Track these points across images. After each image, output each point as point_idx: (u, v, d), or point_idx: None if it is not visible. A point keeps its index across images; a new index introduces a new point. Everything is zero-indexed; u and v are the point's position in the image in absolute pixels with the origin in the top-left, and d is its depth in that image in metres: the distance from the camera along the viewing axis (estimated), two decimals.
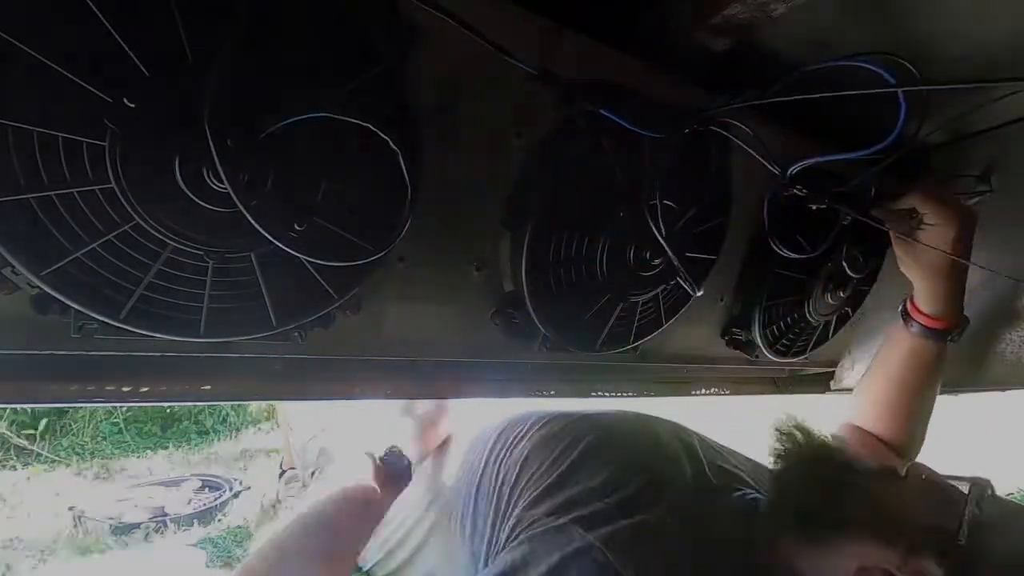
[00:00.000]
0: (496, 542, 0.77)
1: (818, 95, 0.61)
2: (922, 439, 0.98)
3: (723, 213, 0.85)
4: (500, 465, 0.87)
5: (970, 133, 0.86)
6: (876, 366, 0.98)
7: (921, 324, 0.90)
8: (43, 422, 2.56)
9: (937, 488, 0.66)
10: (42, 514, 2.00)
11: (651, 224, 0.71)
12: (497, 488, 0.84)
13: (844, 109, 0.68)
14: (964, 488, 0.63)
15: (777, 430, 0.77)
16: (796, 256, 0.82)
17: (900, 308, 0.93)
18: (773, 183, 0.75)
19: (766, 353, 1.01)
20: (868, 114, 0.68)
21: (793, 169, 0.72)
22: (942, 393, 1.00)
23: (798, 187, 0.71)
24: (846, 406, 1.02)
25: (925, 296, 0.89)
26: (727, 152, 0.80)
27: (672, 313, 0.86)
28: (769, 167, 0.71)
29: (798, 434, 0.76)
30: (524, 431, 0.90)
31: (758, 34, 0.67)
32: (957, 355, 1.25)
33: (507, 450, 0.89)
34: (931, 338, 0.90)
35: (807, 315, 1.02)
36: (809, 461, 0.73)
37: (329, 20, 0.51)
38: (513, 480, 0.81)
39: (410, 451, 1.06)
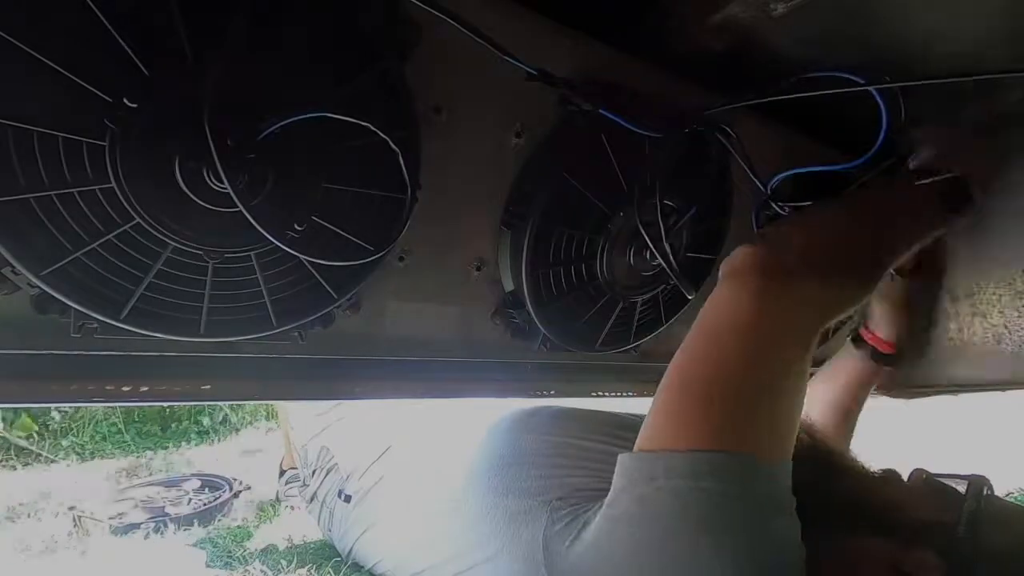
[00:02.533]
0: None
1: (804, 94, 0.62)
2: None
3: (723, 213, 0.85)
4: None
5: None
6: (826, 380, 1.06)
7: (874, 348, 0.99)
8: (43, 422, 2.56)
9: (936, 486, 0.67)
10: (42, 514, 2.00)
11: (650, 224, 0.71)
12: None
13: (844, 109, 0.68)
14: (962, 486, 0.63)
15: None
16: None
17: (850, 336, 1.02)
18: (756, 197, 0.76)
19: None
20: (869, 115, 0.68)
21: (773, 182, 0.72)
22: (942, 393, 1.02)
23: (778, 204, 0.72)
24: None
25: (885, 323, 0.98)
26: (727, 152, 0.80)
27: (672, 313, 0.86)
28: (754, 181, 0.71)
29: (803, 433, 0.75)
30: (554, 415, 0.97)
31: (758, 34, 0.67)
32: (957, 355, 1.26)
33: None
34: (881, 362, 1.00)
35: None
36: (812, 459, 0.73)
37: (329, 20, 0.51)
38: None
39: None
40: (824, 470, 0.69)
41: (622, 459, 0.54)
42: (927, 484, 0.68)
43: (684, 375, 0.55)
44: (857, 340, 1.01)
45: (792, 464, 0.71)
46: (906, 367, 1.02)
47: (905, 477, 0.71)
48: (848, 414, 1.04)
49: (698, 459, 0.49)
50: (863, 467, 0.73)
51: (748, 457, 0.49)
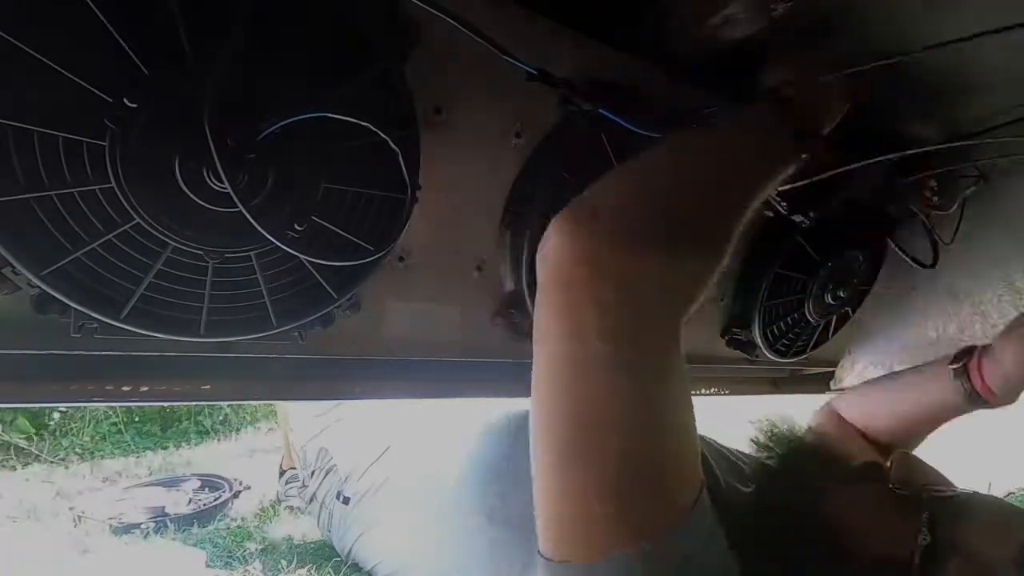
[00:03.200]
0: None
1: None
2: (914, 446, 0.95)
3: None
4: None
5: (970, 133, 0.86)
6: (892, 390, 0.94)
7: (975, 388, 0.82)
8: (43, 422, 2.56)
9: (899, 504, 0.63)
10: (42, 514, 2.00)
11: None
12: None
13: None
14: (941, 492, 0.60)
15: (757, 429, 0.76)
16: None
17: (957, 359, 0.85)
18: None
19: (766, 353, 1.01)
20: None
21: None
22: None
23: (777, 199, 0.72)
24: (849, 398, 1.01)
25: (1001, 375, 0.81)
26: None
27: None
28: None
29: (807, 433, 0.74)
30: None
31: (758, 34, 0.67)
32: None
33: None
34: (969, 400, 0.83)
35: (807, 315, 1.02)
36: (803, 467, 0.71)
37: (329, 20, 0.51)
38: None
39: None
40: (804, 488, 0.67)
41: (541, 568, 0.43)
42: (892, 500, 0.64)
43: (545, 457, 0.42)
44: (960, 373, 0.83)
45: (784, 475, 0.68)
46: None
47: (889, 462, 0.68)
48: (915, 439, 0.93)
49: (618, 569, 0.39)
50: (847, 469, 0.71)
51: (653, 549, 0.39)
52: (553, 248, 0.44)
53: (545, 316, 0.43)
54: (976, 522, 0.57)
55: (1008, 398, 0.82)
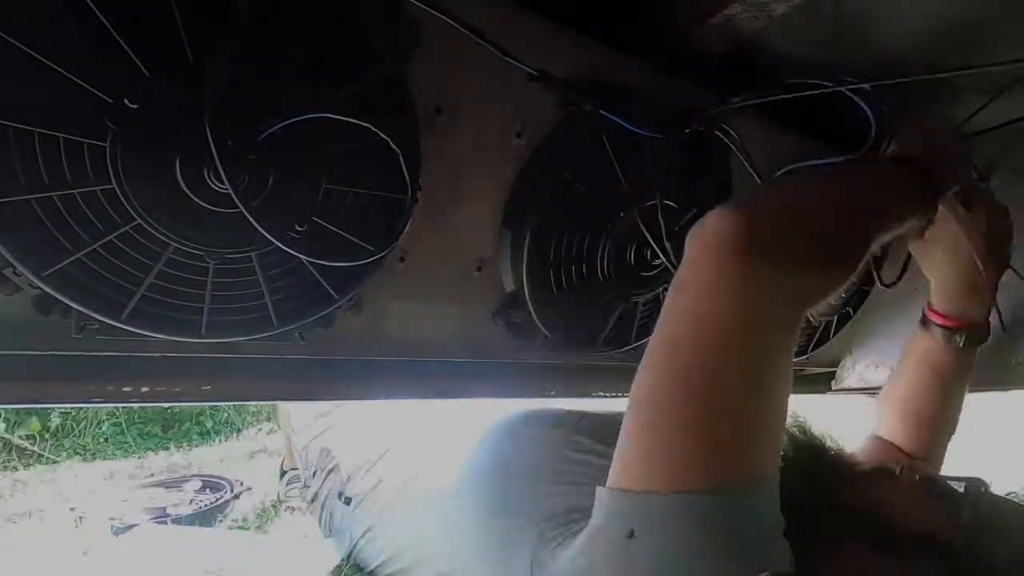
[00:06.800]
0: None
1: (805, 93, 0.62)
2: (944, 450, 0.91)
3: None
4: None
5: (970, 133, 0.86)
6: (895, 374, 0.92)
7: (934, 323, 0.83)
8: (44, 423, 2.56)
9: (931, 490, 0.64)
10: (43, 515, 2.00)
11: (650, 225, 0.71)
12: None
13: (844, 109, 0.68)
14: (959, 488, 0.62)
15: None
16: None
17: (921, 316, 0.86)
18: None
19: None
20: (866, 115, 0.68)
21: (776, 175, 0.72)
22: None
23: None
24: (873, 416, 0.99)
25: (938, 292, 0.82)
26: (727, 151, 0.80)
27: None
28: (754, 174, 0.71)
29: (796, 431, 0.74)
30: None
31: (758, 34, 0.67)
32: None
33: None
34: (943, 339, 0.82)
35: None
36: (804, 460, 0.71)
37: (330, 20, 0.51)
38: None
39: None
40: (814, 471, 0.67)
41: (599, 494, 0.48)
42: (921, 485, 0.66)
43: (656, 394, 0.48)
44: (923, 319, 0.84)
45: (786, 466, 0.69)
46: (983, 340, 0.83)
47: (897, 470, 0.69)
48: (925, 399, 0.86)
49: (677, 506, 0.43)
50: (855, 466, 0.71)
51: (734, 494, 0.44)
52: (714, 227, 0.49)
53: (695, 277, 0.49)
54: (1015, 508, 0.59)
55: (960, 312, 0.81)
